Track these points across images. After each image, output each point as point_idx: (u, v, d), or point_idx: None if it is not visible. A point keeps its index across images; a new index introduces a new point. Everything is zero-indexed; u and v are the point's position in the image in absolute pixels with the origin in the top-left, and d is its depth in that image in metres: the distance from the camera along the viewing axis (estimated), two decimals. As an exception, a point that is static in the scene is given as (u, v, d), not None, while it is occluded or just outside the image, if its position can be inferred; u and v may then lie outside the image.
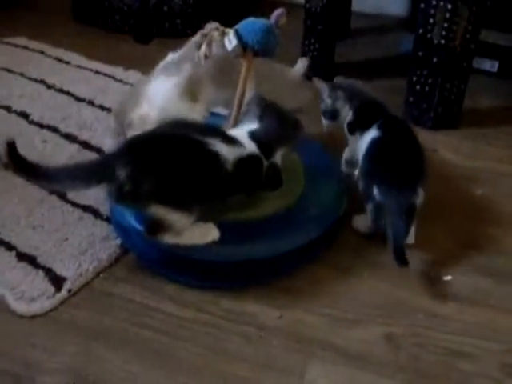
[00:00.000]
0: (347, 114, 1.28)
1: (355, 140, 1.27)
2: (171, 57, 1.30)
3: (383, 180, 1.14)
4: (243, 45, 1.13)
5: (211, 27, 1.14)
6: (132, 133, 1.19)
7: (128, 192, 0.99)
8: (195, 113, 1.26)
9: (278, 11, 1.17)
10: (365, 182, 1.18)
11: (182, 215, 1.03)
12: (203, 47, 1.14)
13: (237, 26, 1.15)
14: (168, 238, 1.05)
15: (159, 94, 1.24)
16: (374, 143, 1.20)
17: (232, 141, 1.07)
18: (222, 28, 1.15)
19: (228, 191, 1.07)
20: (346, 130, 1.29)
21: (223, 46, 1.17)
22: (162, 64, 1.30)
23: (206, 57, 1.16)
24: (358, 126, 1.26)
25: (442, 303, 1.09)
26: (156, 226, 1.04)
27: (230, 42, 1.12)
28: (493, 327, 1.05)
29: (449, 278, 1.15)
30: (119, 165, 0.99)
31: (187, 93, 1.25)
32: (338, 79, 1.34)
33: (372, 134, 1.21)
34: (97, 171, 1.03)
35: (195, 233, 1.07)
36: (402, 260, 1.08)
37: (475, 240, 1.24)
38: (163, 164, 1.01)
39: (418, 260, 1.18)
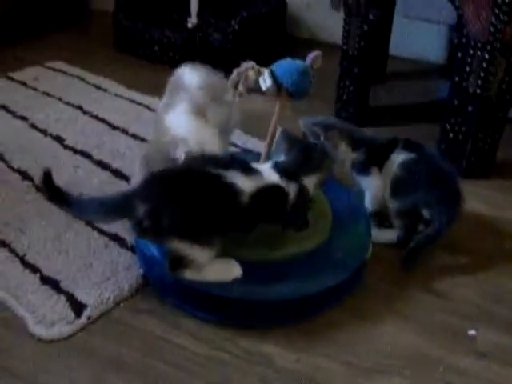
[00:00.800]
0: (346, 154, 1.31)
1: (375, 178, 1.30)
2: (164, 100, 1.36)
3: (436, 202, 1.24)
4: (278, 85, 1.14)
5: (247, 66, 1.16)
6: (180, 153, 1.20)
7: (147, 227, 1.01)
8: (208, 129, 1.28)
9: (314, 53, 1.18)
10: (406, 203, 1.25)
11: (202, 249, 1.03)
12: (240, 86, 1.15)
13: (272, 66, 1.17)
14: (189, 275, 1.06)
15: (178, 122, 1.26)
16: (409, 165, 1.26)
17: (251, 172, 1.07)
18: (257, 67, 1.16)
19: (248, 221, 1.07)
20: (356, 171, 1.32)
21: (255, 84, 1.18)
22: (162, 104, 1.36)
23: (241, 94, 1.17)
24: (372, 162, 1.30)
25: (465, 358, 1.06)
26: (177, 262, 1.05)
27: (265, 81, 1.13)
28: (516, 388, 1.02)
29: (473, 332, 1.12)
30: (138, 201, 1.02)
31: (196, 113, 1.28)
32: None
33: (401, 156, 1.27)
34: (118, 206, 1.05)
35: (217, 269, 1.07)
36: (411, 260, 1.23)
37: (502, 294, 1.21)
38: (180, 199, 1.02)
39: (442, 311, 1.16)
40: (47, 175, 1.05)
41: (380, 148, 1.31)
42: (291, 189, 1.09)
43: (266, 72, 1.15)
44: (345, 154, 1.31)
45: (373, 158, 1.30)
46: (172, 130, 1.25)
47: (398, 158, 1.27)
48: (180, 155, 1.15)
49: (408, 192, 1.26)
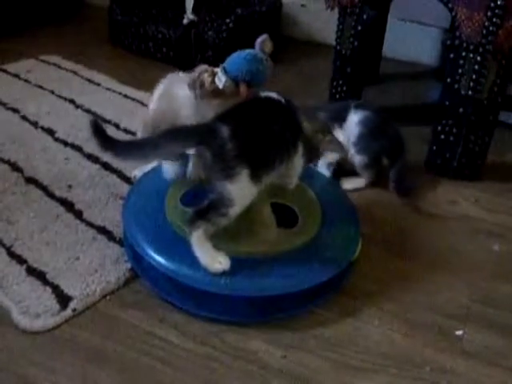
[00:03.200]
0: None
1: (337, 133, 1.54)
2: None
3: (392, 150, 1.50)
4: (234, 79, 1.14)
5: (200, 70, 1.16)
6: None
7: (229, 150, 1.00)
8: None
9: (261, 38, 1.18)
10: (370, 156, 1.49)
11: (251, 185, 1.04)
12: (197, 90, 1.15)
13: (223, 63, 1.17)
14: (197, 236, 1.05)
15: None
16: (366, 121, 1.49)
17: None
18: (211, 69, 1.16)
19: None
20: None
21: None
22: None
23: (201, 98, 1.17)
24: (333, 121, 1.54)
25: (451, 358, 1.06)
26: (204, 213, 1.04)
27: (220, 79, 1.13)
28: (501, 389, 1.02)
29: (460, 332, 1.12)
30: (221, 124, 1.02)
31: None
32: None
33: (357, 116, 1.50)
34: (198, 131, 1.05)
35: (209, 255, 1.06)
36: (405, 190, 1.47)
37: (490, 296, 1.21)
38: (259, 122, 1.07)
39: (430, 311, 1.16)
40: (95, 125, 1.01)
41: (337, 111, 1.55)
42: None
43: (219, 70, 1.15)
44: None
45: (333, 118, 1.53)
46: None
47: (355, 117, 1.50)
48: None
49: (372, 145, 1.48)
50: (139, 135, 1.38)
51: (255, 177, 1.04)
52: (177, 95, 1.22)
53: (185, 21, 2.12)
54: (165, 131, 1.05)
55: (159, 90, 1.27)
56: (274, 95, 1.14)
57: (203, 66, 1.17)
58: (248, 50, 1.17)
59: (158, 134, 1.04)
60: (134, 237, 1.14)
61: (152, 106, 1.28)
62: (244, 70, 1.13)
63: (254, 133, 1.05)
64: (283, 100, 1.14)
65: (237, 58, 1.16)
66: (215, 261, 1.06)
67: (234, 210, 1.04)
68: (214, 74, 1.15)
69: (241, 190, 1.03)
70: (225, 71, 1.14)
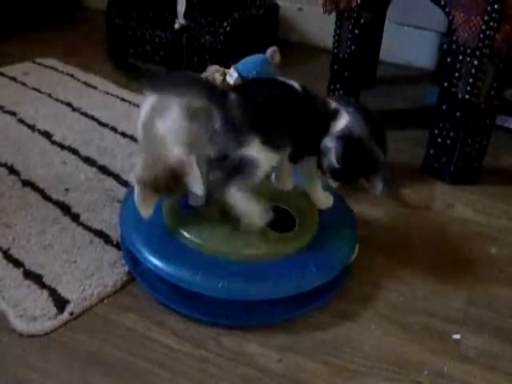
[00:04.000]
0: None
1: None
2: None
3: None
4: (244, 79, 1.19)
5: (213, 70, 1.20)
6: None
7: (234, 117, 1.02)
8: None
9: (271, 49, 1.26)
10: None
11: (271, 152, 1.04)
12: None
13: (235, 65, 1.22)
14: (241, 196, 1.05)
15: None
16: None
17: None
18: (222, 69, 1.21)
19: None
20: None
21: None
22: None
23: None
24: None
25: (449, 362, 1.06)
26: (236, 170, 1.04)
27: (232, 76, 1.19)
28: (499, 393, 1.02)
29: (458, 336, 1.12)
30: (232, 92, 1.03)
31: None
32: None
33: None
34: (212, 91, 1.05)
35: (255, 207, 1.07)
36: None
37: (487, 299, 1.21)
38: (268, 99, 1.06)
39: (427, 315, 1.16)
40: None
41: None
42: None
43: (231, 69, 1.20)
44: None
45: None
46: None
47: None
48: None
49: None
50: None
51: (270, 143, 1.03)
52: (159, 131, 1.12)
53: (176, 26, 2.12)
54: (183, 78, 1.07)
55: (141, 118, 1.17)
56: (293, 83, 1.13)
57: (214, 66, 1.21)
58: (259, 54, 1.23)
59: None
60: (131, 240, 1.14)
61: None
62: (255, 70, 1.20)
63: (262, 104, 1.05)
64: (300, 88, 1.11)
65: (250, 59, 1.23)
66: (257, 215, 1.08)
67: (261, 171, 1.05)
68: (224, 74, 1.19)
69: (259, 154, 1.03)
70: (236, 70, 1.18)
